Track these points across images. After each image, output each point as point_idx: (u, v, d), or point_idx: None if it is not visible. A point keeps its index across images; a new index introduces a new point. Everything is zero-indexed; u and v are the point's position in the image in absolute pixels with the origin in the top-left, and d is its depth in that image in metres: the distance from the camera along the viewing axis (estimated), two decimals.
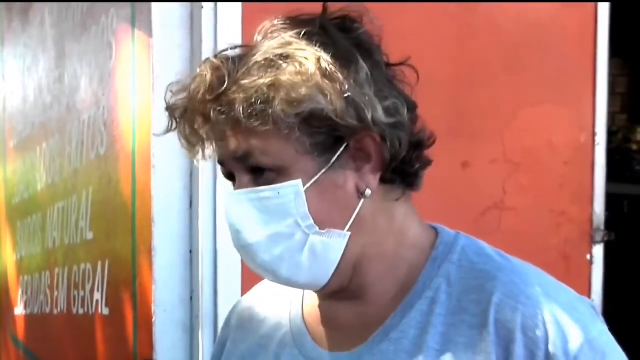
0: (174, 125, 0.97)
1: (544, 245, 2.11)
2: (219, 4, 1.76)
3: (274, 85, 0.89)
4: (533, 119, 2.11)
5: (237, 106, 0.89)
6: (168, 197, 1.80)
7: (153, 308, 1.80)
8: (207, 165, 1.77)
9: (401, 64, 0.97)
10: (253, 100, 0.89)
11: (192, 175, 1.80)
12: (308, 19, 0.94)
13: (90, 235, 2.30)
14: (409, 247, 0.97)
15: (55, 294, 2.63)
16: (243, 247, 0.95)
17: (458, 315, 0.92)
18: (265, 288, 1.12)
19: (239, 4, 1.76)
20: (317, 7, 0.96)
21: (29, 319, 3.08)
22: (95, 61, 2.26)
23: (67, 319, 2.51)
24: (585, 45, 2.18)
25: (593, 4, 2.18)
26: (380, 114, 0.91)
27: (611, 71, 2.25)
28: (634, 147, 4.60)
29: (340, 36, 0.93)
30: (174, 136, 1.79)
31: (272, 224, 0.92)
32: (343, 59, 0.91)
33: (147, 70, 1.83)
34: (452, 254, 0.96)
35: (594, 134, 2.17)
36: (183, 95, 0.94)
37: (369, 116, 0.90)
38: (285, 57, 0.90)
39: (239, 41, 1.75)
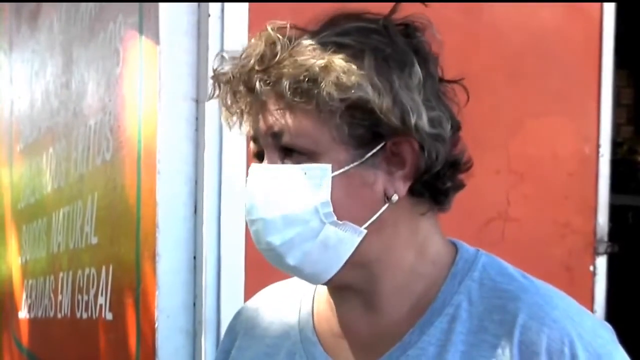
0: (217, 92, 0.95)
1: (547, 256, 2.11)
2: (225, 11, 1.77)
3: (325, 67, 0.89)
4: (537, 129, 2.12)
5: (284, 80, 0.89)
6: (173, 203, 1.81)
7: (156, 313, 1.81)
8: (212, 171, 1.79)
9: (454, 81, 0.96)
10: (301, 77, 0.89)
11: (196, 182, 1.81)
12: (372, 18, 0.94)
13: (94, 240, 2.30)
14: (428, 263, 0.95)
15: (60, 298, 2.64)
16: (254, 221, 0.93)
17: (479, 335, 0.90)
18: (270, 293, 1.10)
19: (246, 11, 1.77)
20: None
21: (33, 322, 3.08)
22: (102, 67, 2.27)
23: (71, 323, 2.52)
24: (590, 56, 2.18)
25: (598, 13, 2.18)
26: (424, 122, 0.90)
27: (617, 82, 2.26)
28: (639, 158, 4.59)
29: (401, 39, 0.93)
30: (179, 142, 1.81)
31: (290, 204, 0.91)
32: (398, 60, 0.91)
33: (153, 76, 1.84)
34: (472, 271, 0.94)
35: (598, 145, 2.17)
36: (233, 62, 0.94)
37: (413, 121, 0.89)
38: (342, 45, 0.90)
39: None
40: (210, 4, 1.77)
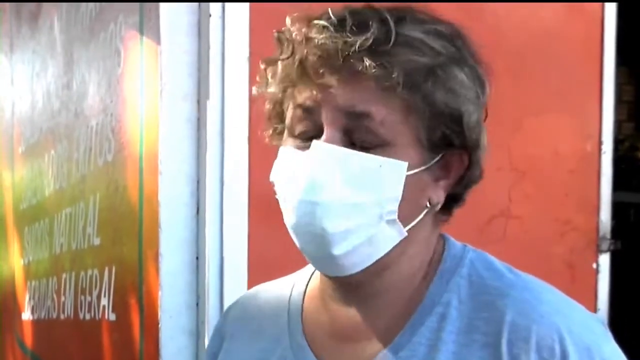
0: (285, 54, 0.90)
1: (549, 253, 2.11)
2: (226, 10, 1.77)
3: (437, 67, 0.88)
4: (539, 127, 2.12)
5: (396, 69, 0.86)
6: (175, 204, 1.81)
7: (159, 314, 1.81)
8: (214, 171, 1.79)
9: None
10: (412, 70, 0.87)
11: (199, 182, 1.81)
12: (434, 19, 0.92)
13: (97, 241, 2.31)
14: (425, 265, 0.95)
15: (62, 299, 2.64)
16: (310, 202, 0.87)
17: (469, 334, 0.90)
18: (258, 295, 1.08)
19: (247, 11, 1.77)
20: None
21: (36, 323, 3.09)
22: (103, 68, 2.27)
23: (74, 324, 2.52)
24: (592, 53, 2.18)
25: (599, 11, 2.18)
26: (485, 140, 0.93)
27: (618, 79, 2.25)
28: None
29: (468, 52, 0.93)
30: (181, 142, 1.81)
31: (355, 194, 0.87)
32: (478, 77, 0.92)
33: (155, 76, 1.84)
34: (461, 268, 0.94)
35: (600, 143, 2.17)
36: (322, 29, 0.88)
37: (483, 139, 0.92)
38: (451, 57, 0.89)
39: (246, 48, 1.77)
40: (211, 3, 1.77)
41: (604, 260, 2.18)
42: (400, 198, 0.89)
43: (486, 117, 0.97)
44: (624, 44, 2.30)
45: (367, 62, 0.86)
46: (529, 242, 2.07)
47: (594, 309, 2.14)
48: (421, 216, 0.92)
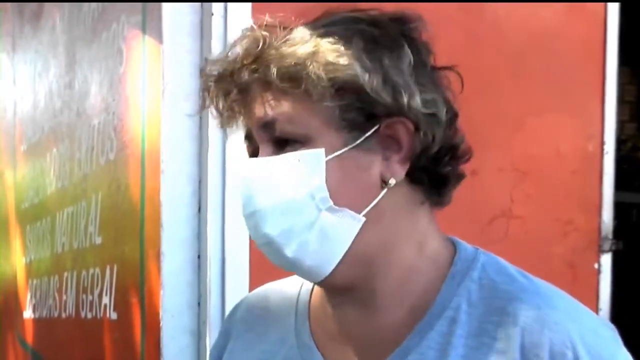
0: (207, 101, 0.95)
1: (551, 253, 2.11)
2: (228, 10, 1.77)
3: (313, 52, 0.88)
4: (540, 127, 2.11)
5: (272, 67, 0.88)
6: (177, 203, 1.81)
7: (161, 313, 1.81)
8: (215, 171, 1.79)
9: (447, 68, 0.94)
10: (288, 62, 0.88)
11: (200, 181, 1.81)
12: (363, 9, 0.93)
13: (99, 240, 2.31)
14: (427, 260, 0.93)
15: (64, 297, 2.64)
16: (250, 215, 0.91)
17: (479, 338, 0.88)
18: (266, 294, 1.08)
19: (249, 10, 1.77)
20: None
21: (38, 322, 3.09)
22: (105, 67, 2.27)
23: (75, 322, 2.52)
24: (594, 53, 2.18)
25: (602, 11, 2.18)
26: (418, 102, 0.89)
27: (620, 80, 2.25)
28: None
29: (390, 25, 0.92)
30: (183, 142, 1.81)
31: (284, 192, 0.89)
32: (387, 43, 0.90)
33: (157, 76, 1.84)
34: (472, 271, 0.92)
35: (602, 143, 2.17)
36: (219, 64, 0.93)
37: (405, 100, 0.88)
38: (329, 32, 0.90)
39: None
40: (214, 3, 1.77)
41: (606, 260, 2.17)
42: (323, 184, 0.88)
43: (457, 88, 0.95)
44: (626, 44, 2.30)
45: (244, 73, 0.90)
46: (531, 242, 2.07)
47: (596, 309, 2.14)
48: (379, 196, 0.90)
